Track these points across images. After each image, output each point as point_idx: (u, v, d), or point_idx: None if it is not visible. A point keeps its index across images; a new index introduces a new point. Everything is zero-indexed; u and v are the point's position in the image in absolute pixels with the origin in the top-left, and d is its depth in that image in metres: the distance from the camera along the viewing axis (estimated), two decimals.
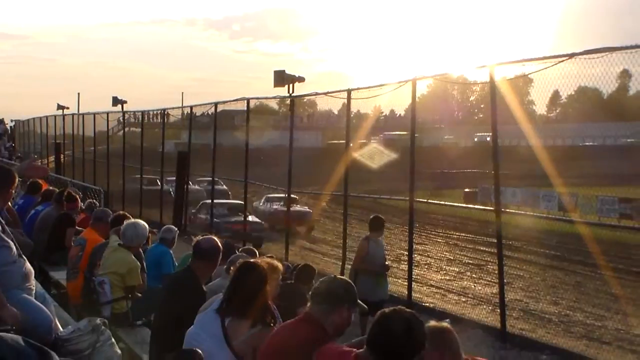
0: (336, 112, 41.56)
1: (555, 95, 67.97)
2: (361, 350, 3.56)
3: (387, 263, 11.17)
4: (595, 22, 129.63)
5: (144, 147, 26.03)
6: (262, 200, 27.61)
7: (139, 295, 7.46)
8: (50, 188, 12.55)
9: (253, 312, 4.47)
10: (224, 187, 29.43)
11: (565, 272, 18.25)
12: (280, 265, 5.09)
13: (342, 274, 14.42)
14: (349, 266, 15.16)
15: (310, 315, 4.07)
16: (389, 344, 3.43)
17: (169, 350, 4.58)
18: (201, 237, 5.99)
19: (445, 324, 3.72)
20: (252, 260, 5.06)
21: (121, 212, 9.24)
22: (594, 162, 38.07)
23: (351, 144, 15.75)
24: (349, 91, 15.00)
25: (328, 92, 16.48)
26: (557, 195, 28.96)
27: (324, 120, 59.22)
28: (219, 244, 5.94)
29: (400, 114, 48.80)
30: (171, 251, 8.78)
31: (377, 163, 13.62)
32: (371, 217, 11.38)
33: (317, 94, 17.67)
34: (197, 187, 28.42)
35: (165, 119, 25.92)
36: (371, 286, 10.23)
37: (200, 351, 2.92)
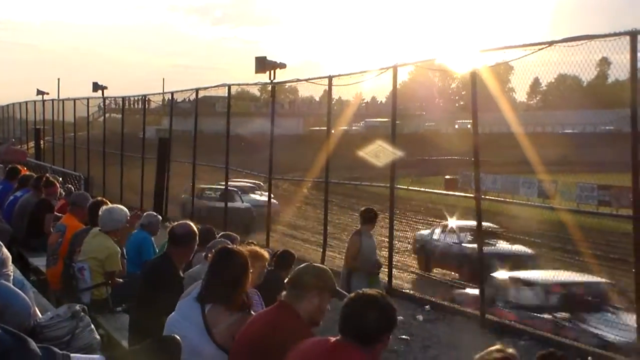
0: (317, 99, 41.50)
1: (536, 82, 68.55)
2: (338, 337, 3.55)
3: (378, 259, 10.77)
4: (592, 21, 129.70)
5: (124, 133, 25.81)
6: (438, 232, 18.07)
7: (119, 281, 7.45)
8: (28, 173, 12.46)
9: (233, 299, 4.42)
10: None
11: (544, 258, 18.38)
12: (265, 253, 5.09)
13: (322, 260, 14.44)
14: (330, 253, 15.18)
15: (283, 302, 4.09)
16: (360, 327, 3.42)
17: (147, 337, 4.58)
18: (176, 223, 6.01)
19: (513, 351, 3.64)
20: (230, 246, 5.05)
21: (99, 197, 9.20)
22: (574, 149, 38.28)
23: (332, 131, 15.75)
24: (330, 78, 14.96)
25: (309, 79, 16.46)
26: (537, 182, 29.20)
27: (306, 107, 59.10)
28: (195, 229, 5.95)
29: (381, 101, 49.02)
30: (152, 238, 8.75)
31: (383, 161, 13.31)
32: (363, 209, 10.65)
33: (298, 80, 17.64)
34: (241, 203, 22.77)
35: (146, 105, 25.75)
36: (365, 285, 10.07)
37: (178, 338, 2.91)
